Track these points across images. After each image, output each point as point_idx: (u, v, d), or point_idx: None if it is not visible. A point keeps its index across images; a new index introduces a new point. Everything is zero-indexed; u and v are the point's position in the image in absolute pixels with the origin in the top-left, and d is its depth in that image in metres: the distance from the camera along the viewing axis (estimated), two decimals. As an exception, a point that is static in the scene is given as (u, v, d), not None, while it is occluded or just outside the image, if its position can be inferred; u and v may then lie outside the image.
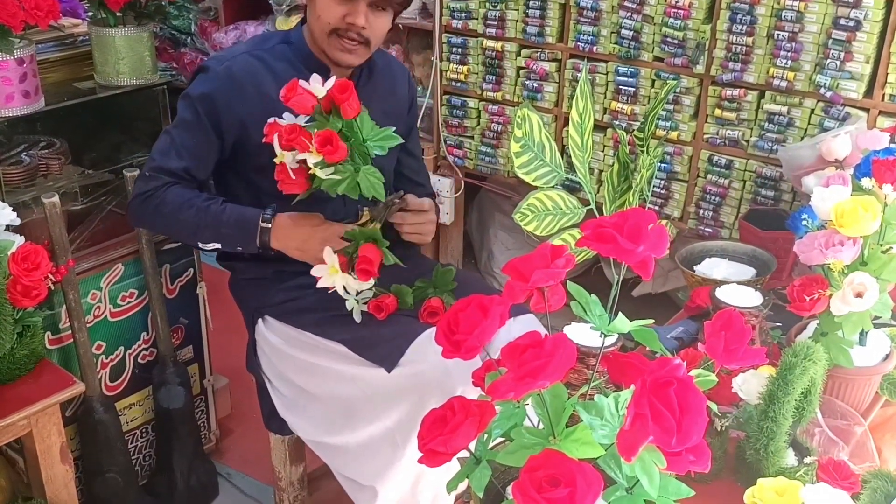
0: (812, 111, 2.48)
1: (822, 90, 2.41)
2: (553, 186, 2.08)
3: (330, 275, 1.87)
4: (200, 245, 2.07)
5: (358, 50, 1.99)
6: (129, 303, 2.50)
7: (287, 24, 3.81)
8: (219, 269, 2.29)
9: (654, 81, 2.74)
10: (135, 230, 2.43)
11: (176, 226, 2.02)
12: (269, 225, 1.96)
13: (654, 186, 2.77)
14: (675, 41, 2.64)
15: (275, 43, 2.07)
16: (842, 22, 2.35)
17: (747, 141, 2.62)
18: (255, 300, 2.19)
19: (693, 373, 1.21)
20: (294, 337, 2.11)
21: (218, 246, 2.03)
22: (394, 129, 1.86)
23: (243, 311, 2.26)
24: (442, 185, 3.36)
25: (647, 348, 1.34)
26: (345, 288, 1.98)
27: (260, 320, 2.19)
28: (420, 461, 1.07)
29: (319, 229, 1.96)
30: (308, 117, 1.79)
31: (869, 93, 2.40)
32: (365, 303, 2.03)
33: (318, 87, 1.75)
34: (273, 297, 2.15)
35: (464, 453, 1.08)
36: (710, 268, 2.09)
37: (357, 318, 2.02)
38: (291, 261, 2.10)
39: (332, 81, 1.76)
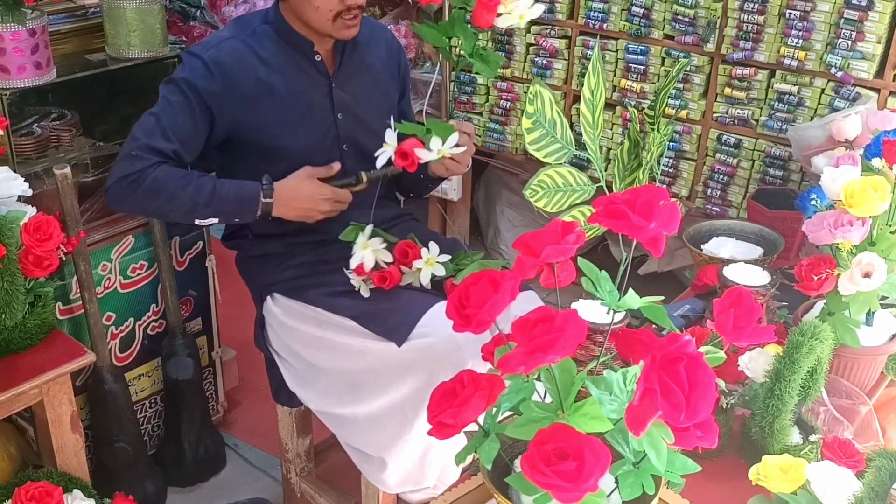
0: (822, 91, 2.47)
1: (833, 70, 2.41)
2: (563, 163, 2.08)
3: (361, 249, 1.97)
4: (197, 221, 2.04)
5: (358, 20, 2.01)
6: (138, 274, 2.52)
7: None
8: (228, 241, 2.30)
9: (664, 60, 2.73)
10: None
11: (171, 204, 1.97)
12: (271, 199, 1.99)
13: (662, 165, 2.77)
14: (686, 19, 2.63)
15: (256, 25, 2.06)
16: (854, 2, 2.34)
17: (756, 120, 2.62)
18: (263, 277, 2.20)
19: (701, 349, 1.22)
20: (302, 312, 2.12)
21: (215, 221, 2.04)
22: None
23: (251, 288, 2.27)
24: (450, 161, 3.35)
25: (654, 325, 1.35)
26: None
27: (268, 297, 2.19)
28: (429, 433, 1.08)
29: (318, 194, 2.01)
30: None
31: (880, 73, 2.40)
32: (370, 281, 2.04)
33: None
34: (281, 274, 2.15)
35: (472, 426, 1.09)
36: (718, 247, 2.09)
37: (365, 293, 2.03)
38: (298, 237, 2.11)
39: None
